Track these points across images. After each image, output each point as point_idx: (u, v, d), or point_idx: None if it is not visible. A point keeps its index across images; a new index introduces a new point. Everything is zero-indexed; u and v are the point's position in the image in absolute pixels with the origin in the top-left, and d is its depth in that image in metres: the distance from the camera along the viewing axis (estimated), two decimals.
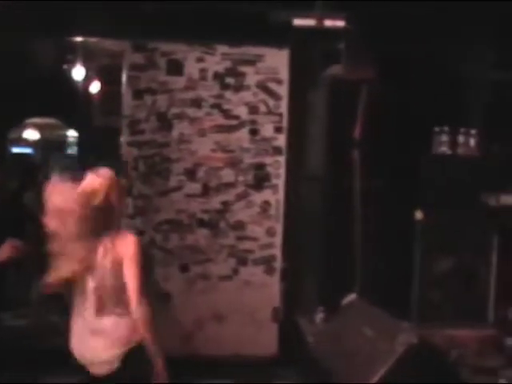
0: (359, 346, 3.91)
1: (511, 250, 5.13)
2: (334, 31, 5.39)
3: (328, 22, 5.33)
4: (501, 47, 5.49)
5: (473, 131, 5.40)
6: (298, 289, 5.56)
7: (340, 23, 5.38)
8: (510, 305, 5.01)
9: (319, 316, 5.17)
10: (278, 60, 5.67)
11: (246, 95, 5.61)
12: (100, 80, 9.15)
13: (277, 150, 5.62)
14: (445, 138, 5.37)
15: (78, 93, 9.39)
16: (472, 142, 5.39)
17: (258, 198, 5.56)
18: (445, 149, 5.38)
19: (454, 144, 5.38)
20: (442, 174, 5.34)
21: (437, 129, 5.38)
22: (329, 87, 5.50)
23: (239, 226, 5.51)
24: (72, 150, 14.10)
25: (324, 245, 5.53)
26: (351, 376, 3.77)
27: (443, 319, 5.34)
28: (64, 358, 3.10)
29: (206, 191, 5.50)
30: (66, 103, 9.65)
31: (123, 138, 5.50)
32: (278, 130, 5.62)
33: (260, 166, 5.56)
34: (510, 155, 5.01)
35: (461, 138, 5.38)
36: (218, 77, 5.59)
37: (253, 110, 5.61)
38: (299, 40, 5.61)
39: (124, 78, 5.52)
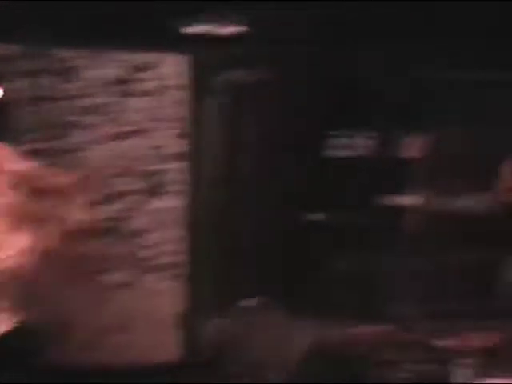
0: (262, 348, 3.94)
1: (412, 248, 5.27)
2: (234, 35, 5.42)
3: (227, 27, 5.36)
4: (390, 50, 5.59)
5: (372, 133, 5.54)
6: (202, 293, 5.52)
7: (239, 28, 5.41)
8: (407, 301, 5.16)
9: (223, 319, 5.16)
10: (177, 65, 5.60)
11: (145, 101, 5.52)
12: None
13: (178, 156, 5.55)
14: (342, 140, 5.49)
15: None
16: (371, 144, 5.53)
17: (159, 204, 5.48)
18: (345, 151, 5.50)
19: (350, 147, 5.51)
20: (342, 177, 5.45)
21: (336, 131, 5.49)
22: (229, 91, 5.51)
23: (140, 233, 5.41)
24: None
25: (227, 249, 5.53)
26: (256, 377, 3.79)
27: (343, 317, 5.44)
28: None
29: (105, 199, 5.37)
30: None
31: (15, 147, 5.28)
32: (179, 136, 5.56)
33: (160, 173, 5.47)
34: (404, 157, 5.16)
35: (360, 141, 5.51)
36: (115, 83, 5.47)
37: (152, 116, 5.53)
38: (199, 45, 5.59)
39: (15, 85, 5.32)
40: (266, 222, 5.41)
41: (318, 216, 5.42)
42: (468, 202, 4.11)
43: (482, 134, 5.66)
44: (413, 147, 4.76)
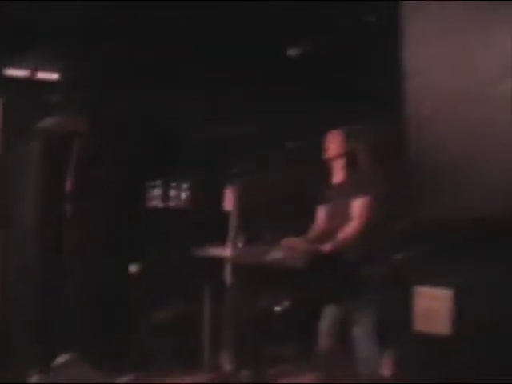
0: None
1: (223, 298, 5.37)
2: (49, 82, 5.32)
3: (42, 73, 5.25)
4: (211, 105, 5.81)
5: (184, 185, 5.63)
6: (11, 351, 5.26)
7: (54, 75, 5.32)
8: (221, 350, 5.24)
9: (34, 379, 4.93)
10: None
11: None
12: None
13: None
14: (157, 191, 5.53)
15: None
16: (183, 195, 5.62)
17: None
18: (157, 202, 5.54)
19: (166, 197, 5.56)
20: (156, 226, 5.48)
21: (149, 182, 5.52)
22: (42, 139, 5.37)
23: None
24: None
25: (39, 301, 5.33)
26: None
27: (161, 368, 5.44)
28: None
29: None
30: None
31: None
32: None
33: None
34: (216, 208, 5.28)
35: (172, 192, 5.58)
36: None
37: None
38: (12, 89, 5.42)
39: None
40: (83, 273, 5.30)
41: (136, 267, 5.39)
42: (279, 254, 4.27)
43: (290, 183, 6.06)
44: (226, 199, 4.90)
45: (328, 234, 4.60)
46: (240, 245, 4.74)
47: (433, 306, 1.90)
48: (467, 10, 1.93)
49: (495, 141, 1.81)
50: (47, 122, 5.30)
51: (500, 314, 1.75)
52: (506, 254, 1.75)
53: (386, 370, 4.61)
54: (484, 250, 1.80)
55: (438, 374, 1.90)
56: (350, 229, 4.34)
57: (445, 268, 1.89)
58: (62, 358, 4.75)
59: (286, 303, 5.22)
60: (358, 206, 4.39)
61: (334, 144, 4.58)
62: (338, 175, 4.64)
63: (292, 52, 5.14)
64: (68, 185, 5.22)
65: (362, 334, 4.36)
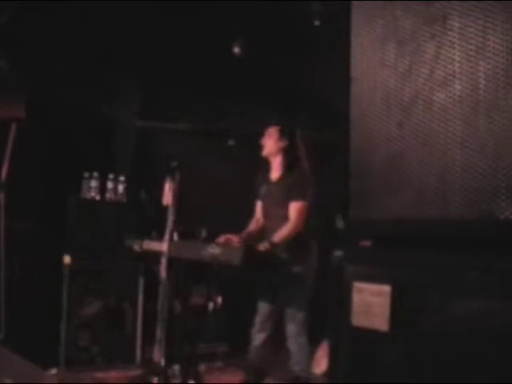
0: None
1: (156, 293, 5.36)
2: None
3: None
4: (144, 98, 5.82)
5: (121, 178, 5.59)
6: None
7: None
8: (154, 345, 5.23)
9: None
10: None
11: None
12: None
13: None
14: (94, 183, 5.47)
15: None
16: (120, 188, 5.58)
17: None
18: (94, 194, 5.49)
19: (102, 189, 5.51)
20: (91, 219, 5.42)
21: (86, 174, 5.46)
22: None
23: None
24: None
25: None
26: None
27: (92, 362, 5.40)
28: None
29: None
30: None
31: None
32: None
33: None
34: (153, 202, 5.26)
35: (109, 184, 5.54)
36: None
37: None
38: None
39: None
40: (14, 264, 5.19)
41: (70, 259, 5.33)
42: (215, 250, 4.30)
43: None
44: (163, 193, 4.88)
45: (265, 230, 4.66)
46: (176, 239, 4.74)
47: (371, 302, 1.96)
48: (417, 17, 2.00)
49: (435, 146, 1.89)
50: None
51: (435, 312, 1.83)
52: (440, 254, 1.83)
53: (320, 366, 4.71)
54: (419, 249, 1.88)
55: (376, 371, 1.96)
56: (286, 230, 4.41)
57: (383, 265, 1.96)
58: None
59: (220, 299, 5.25)
60: (294, 209, 4.46)
61: (270, 140, 4.63)
62: (275, 172, 4.70)
63: (235, 50, 5.18)
64: (3, 172, 5.12)
65: (293, 329, 4.44)
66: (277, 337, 4.65)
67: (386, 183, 1.95)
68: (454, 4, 1.89)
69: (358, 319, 1.97)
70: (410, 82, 1.93)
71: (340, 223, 4.39)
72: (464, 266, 1.78)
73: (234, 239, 4.53)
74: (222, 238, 4.55)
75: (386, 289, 1.90)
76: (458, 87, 1.84)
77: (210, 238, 4.64)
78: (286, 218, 4.46)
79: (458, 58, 1.85)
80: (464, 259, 1.79)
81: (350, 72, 2.10)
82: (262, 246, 4.32)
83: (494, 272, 1.72)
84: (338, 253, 2.02)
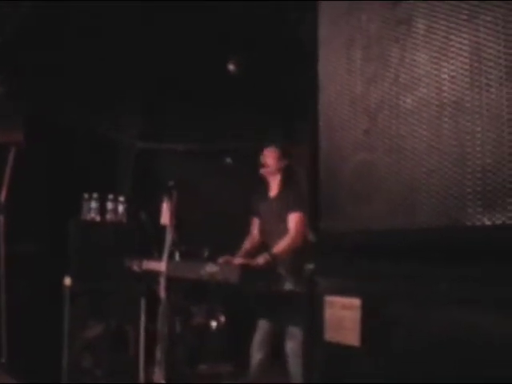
0: None
1: (156, 313, 5.31)
2: None
3: None
4: (143, 120, 5.83)
5: (121, 198, 5.57)
6: None
7: None
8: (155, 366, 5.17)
9: None
10: None
11: None
12: None
13: None
14: (94, 204, 5.46)
15: None
16: (120, 208, 5.56)
17: None
18: (94, 215, 5.47)
19: (102, 210, 5.50)
20: (91, 240, 5.40)
21: (86, 195, 5.45)
22: None
23: None
24: None
25: None
26: None
27: (94, 383, 5.36)
28: None
29: None
30: None
31: None
32: None
33: None
34: (153, 221, 5.24)
35: (109, 205, 5.52)
36: None
37: None
38: None
39: None
40: (14, 286, 5.17)
41: (70, 280, 5.30)
42: (213, 268, 4.25)
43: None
44: (162, 212, 4.86)
45: (262, 247, 4.62)
46: (176, 259, 4.70)
47: (343, 316, 1.89)
48: (382, 21, 1.95)
49: (404, 153, 1.82)
50: None
51: (409, 323, 1.76)
52: (410, 264, 1.76)
53: None
54: (390, 261, 1.81)
55: None
56: (286, 241, 4.37)
57: (353, 277, 1.89)
58: None
59: (222, 318, 5.19)
60: (293, 220, 4.43)
61: (270, 159, 4.62)
62: (274, 189, 4.67)
63: (230, 67, 5.16)
64: (2, 195, 5.12)
65: (293, 347, 4.37)
66: (277, 355, 4.57)
67: (354, 193, 1.89)
68: (419, 6, 1.83)
69: (330, 334, 1.91)
70: (376, 87, 1.87)
71: (311, 235, 4.35)
72: (434, 276, 1.71)
73: (234, 259, 4.51)
74: (221, 260, 4.52)
75: (356, 302, 1.83)
76: (424, 90, 1.78)
77: (212, 258, 4.61)
78: (284, 233, 4.42)
79: (422, 61, 1.79)
80: (434, 269, 1.72)
81: (317, 79, 2.05)
82: (263, 258, 4.29)
83: (465, 280, 1.65)
84: (310, 266, 1.96)
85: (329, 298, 1.90)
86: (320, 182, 1.99)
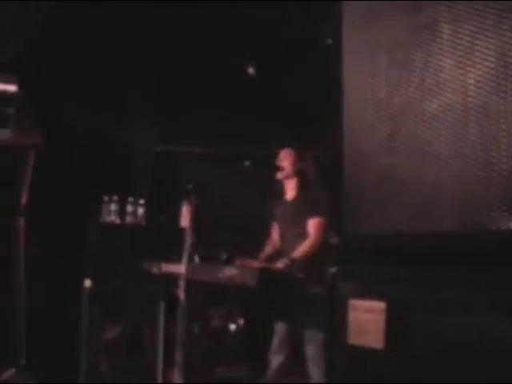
0: None
1: (176, 316, 5.33)
2: (4, 95, 5.25)
3: None
4: (161, 123, 5.86)
5: (141, 201, 5.60)
6: None
7: (11, 87, 5.25)
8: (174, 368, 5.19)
9: None
10: None
11: None
12: None
13: None
14: (113, 207, 5.48)
15: None
16: (140, 211, 5.58)
17: None
18: (113, 217, 5.49)
19: (122, 213, 5.52)
20: (110, 242, 5.42)
21: (106, 198, 5.48)
22: None
23: None
24: None
25: None
26: None
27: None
28: None
29: None
30: None
31: None
32: None
33: None
34: (172, 224, 5.26)
35: (129, 208, 5.54)
36: None
37: None
38: None
39: None
40: (33, 290, 5.21)
41: (90, 283, 5.33)
42: (232, 271, 4.26)
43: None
44: (181, 215, 4.87)
45: (281, 251, 4.62)
46: (195, 262, 4.71)
47: (366, 319, 1.90)
48: (406, 27, 1.96)
49: (428, 157, 1.83)
50: (2, 135, 5.23)
51: (432, 327, 1.76)
52: (435, 268, 1.76)
53: None
54: (414, 264, 1.82)
55: None
56: (306, 246, 4.36)
57: (377, 281, 1.90)
58: (8, 373, 4.67)
59: (240, 321, 5.19)
60: (313, 225, 4.42)
61: (287, 162, 4.62)
62: (290, 192, 4.67)
63: (250, 71, 5.19)
64: (22, 198, 5.15)
65: (313, 351, 4.36)
66: (296, 359, 4.57)
67: (377, 197, 1.90)
68: (443, 11, 1.84)
69: (354, 337, 1.91)
70: (401, 91, 1.89)
71: (334, 239, 4.34)
72: (459, 281, 1.72)
73: (252, 263, 4.50)
74: (239, 262, 4.52)
75: (381, 305, 1.84)
76: (449, 95, 1.79)
77: (230, 261, 4.62)
78: (301, 237, 4.41)
79: (447, 66, 1.80)
80: (458, 273, 1.72)
81: (342, 85, 2.06)
82: (282, 263, 4.27)
83: (489, 285, 1.65)
84: (333, 269, 1.96)
85: (352, 302, 1.91)
86: (343, 185, 2.00)
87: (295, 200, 4.62)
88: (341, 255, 2.03)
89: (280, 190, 4.74)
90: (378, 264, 1.92)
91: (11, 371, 4.67)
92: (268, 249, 4.81)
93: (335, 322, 1.96)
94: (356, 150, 2.02)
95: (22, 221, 5.11)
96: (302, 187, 4.61)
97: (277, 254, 4.68)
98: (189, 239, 4.63)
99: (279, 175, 4.65)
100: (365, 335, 1.90)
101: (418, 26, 1.89)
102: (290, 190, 4.67)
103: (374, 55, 2.02)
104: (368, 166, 1.97)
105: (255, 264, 4.46)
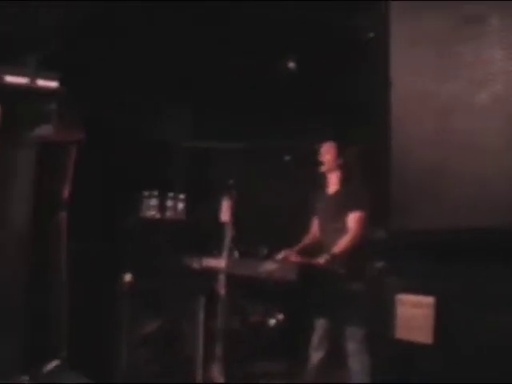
0: None
1: (216, 311, 5.35)
2: (46, 91, 5.31)
3: (40, 82, 5.24)
4: (199, 119, 5.88)
5: (181, 196, 5.63)
6: (1, 357, 5.22)
7: (52, 83, 5.31)
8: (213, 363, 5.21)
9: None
10: None
11: None
12: None
13: None
14: (154, 201, 5.53)
15: None
16: (179, 206, 5.62)
17: None
18: (153, 212, 5.54)
19: (162, 208, 5.56)
20: (151, 237, 5.47)
21: (146, 193, 5.52)
22: (37, 147, 5.36)
23: None
24: None
25: (27, 309, 5.29)
26: None
27: (152, 381, 5.41)
28: None
29: None
30: None
31: None
32: None
33: None
34: (212, 219, 5.28)
35: (169, 202, 5.58)
36: None
37: None
38: (9, 97, 5.41)
39: None
40: (74, 284, 5.27)
41: (130, 277, 5.38)
42: (272, 266, 4.26)
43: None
44: (222, 210, 4.89)
45: (321, 245, 4.60)
46: (235, 256, 4.72)
47: (414, 314, 1.88)
48: (454, 19, 1.93)
49: (478, 150, 1.80)
50: (44, 130, 5.30)
51: (481, 322, 1.73)
52: (484, 264, 1.73)
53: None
54: (462, 259, 1.79)
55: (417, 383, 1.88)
56: (345, 240, 4.34)
57: (426, 276, 1.88)
58: (51, 364, 4.74)
59: (280, 316, 5.19)
60: (353, 219, 4.40)
61: (328, 156, 4.60)
62: (332, 186, 4.66)
63: (290, 65, 5.17)
64: (64, 193, 5.22)
65: (354, 347, 4.34)
66: (338, 355, 4.55)
67: (426, 191, 1.88)
68: (491, 3, 1.81)
69: (401, 332, 1.90)
70: (449, 84, 1.86)
71: (380, 234, 4.29)
72: (509, 277, 1.69)
73: (292, 256, 4.49)
74: (280, 255, 4.52)
75: (429, 300, 1.82)
76: (499, 87, 1.76)
77: (270, 256, 4.62)
78: (341, 231, 4.38)
79: (497, 57, 1.77)
80: (509, 269, 1.69)
81: (389, 77, 2.04)
82: (323, 258, 4.26)
83: None
84: (379, 264, 1.95)
85: (400, 297, 1.89)
86: (390, 180, 1.98)
87: (337, 194, 4.61)
88: (387, 250, 2.01)
89: (323, 184, 4.72)
90: (426, 259, 1.89)
91: (54, 364, 4.74)
92: (306, 241, 4.81)
93: (382, 317, 1.94)
94: (403, 144, 2.00)
95: (63, 216, 5.18)
96: (343, 181, 4.59)
97: (316, 247, 4.67)
98: (229, 234, 4.65)
99: (322, 169, 4.64)
100: (413, 330, 1.88)
101: (466, 17, 1.86)
102: (332, 184, 4.66)
103: (421, 48, 1.99)
104: (416, 159, 1.95)
105: (293, 257, 4.45)
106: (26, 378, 4.99)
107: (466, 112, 1.83)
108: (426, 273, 1.87)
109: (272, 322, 5.14)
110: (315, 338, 4.58)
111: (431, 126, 1.91)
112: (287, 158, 4.99)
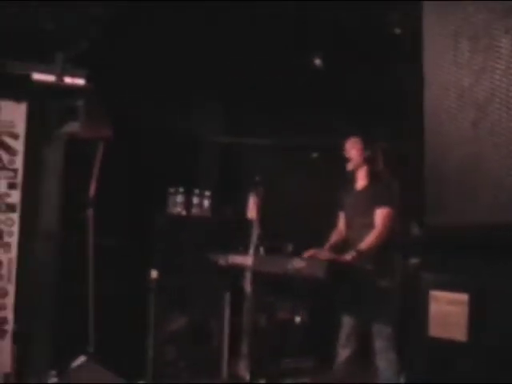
0: None
1: (242, 307, 5.36)
2: (74, 88, 5.35)
3: (68, 79, 5.28)
4: (227, 115, 5.88)
5: (207, 193, 5.64)
6: (30, 352, 5.27)
7: (80, 81, 5.34)
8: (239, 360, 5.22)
9: (52, 380, 4.95)
10: (14, 113, 5.43)
11: None
12: None
13: (10, 207, 5.34)
14: (180, 198, 5.54)
15: None
16: (206, 203, 5.62)
17: None
18: (180, 209, 5.55)
19: (188, 205, 5.57)
20: (177, 234, 5.48)
21: (172, 189, 5.54)
22: (65, 144, 5.40)
23: None
24: None
25: (56, 305, 5.34)
26: None
27: (178, 377, 5.44)
28: None
29: None
30: None
31: None
32: (11, 186, 5.35)
33: None
34: (238, 216, 5.28)
35: (195, 199, 5.59)
36: None
37: None
38: (37, 94, 5.46)
39: None
40: (102, 279, 5.30)
41: (157, 274, 5.40)
42: (300, 263, 4.25)
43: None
44: (248, 207, 4.89)
45: (347, 240, 4.58)
46: (262, 253, 4.71)
47: (448, 311, 1.86)
48: (490, 12, 1.90)
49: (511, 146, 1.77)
50: (72, 127, 5.33)
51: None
52: None
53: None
54: (499, 256, 1.77)
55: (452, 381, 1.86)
56: (372, 236, 4.31)
57: (460, 272, 1.86)
58: (79, 360, 4.78)
59: (308, 313, 5.18)
60: (381, 215, 4.37)
61: (354, 151, 4.57)
62: (360, 181, 4.63)
63: (317, 62, 5.16)
64: (91, 190, 5.25)
65: (381, 344, 4.32)
66: (365, 352, 4.53)
67: (462, 187, 1.86)
68: None
69: (435, 329, 1.88)
70: (485, 79, 1.84)
71: (415, 230, 4.27)
72: None
73: (320, 254, 4.47)
74: (307, 253, 4.50)
75: (464, 297, 1.80)
76: None
77: (296, 252, 4.60)
78: (369, 227, 4.36)
79: None
80: None
81: (424, 73, 2.02)
82: (349, 255, 4.24)
83: None
84: (414, 260, 1.94)
85: (434, 293, 1.88)
86: (426, 175, 1.96)
87: (365, 189, 4.58)
88: (422, 246, 2.00)
89: (351, 181, 4.70)
90: (461, 255, 1.87)
91: (82, 358, 4.78)
92: (334, 238, 4.79)
93: (416, 314, 1.93)
94: (439, 140, 1.98)
95: (91, 212, 5.21)
96: (371, 175, 4.56)
97: (343, 243, 4.65)
98: (255, 231, 4.65)
99: (349, 166, 4.62)
100: (447, 327, 1.86)
101: (503, 10, 1.83)
102: (361, 180, 4.63)
103: (456, 42, 1.97)
104: (451, 155, 1.92)
105: (322, 255, 4.43)
106: (53, 373, 5.04)
107: (503, 107, 1.80)
108: (460, 269, 1.85)
109: (298, 319, 5.13)
110: (343, 335, 4.57)
111: (466, 122, 1.89)
112: (315, 154, 4.96)
